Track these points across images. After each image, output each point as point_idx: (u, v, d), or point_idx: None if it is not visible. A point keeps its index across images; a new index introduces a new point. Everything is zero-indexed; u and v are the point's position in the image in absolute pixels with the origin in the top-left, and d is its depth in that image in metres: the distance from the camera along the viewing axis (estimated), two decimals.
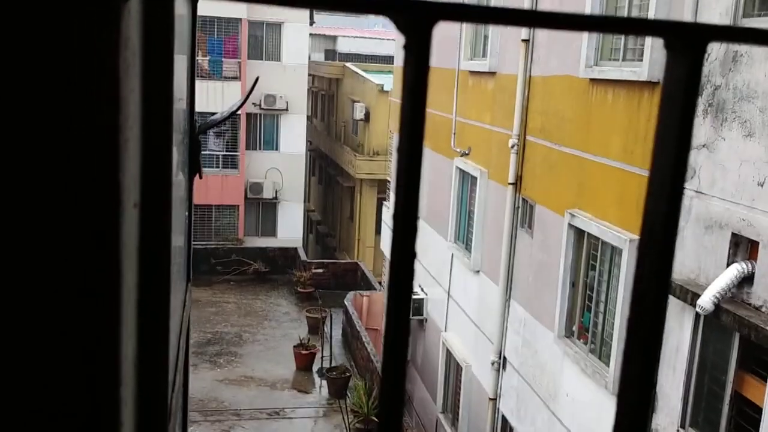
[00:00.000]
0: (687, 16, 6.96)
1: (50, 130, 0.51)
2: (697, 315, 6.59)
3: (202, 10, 25.55)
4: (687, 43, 0.37)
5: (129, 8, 0.54)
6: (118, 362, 0.60)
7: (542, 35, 10.23)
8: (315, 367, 18.15)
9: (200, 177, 2.07)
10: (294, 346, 18.32)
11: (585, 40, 8.83)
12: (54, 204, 0.53)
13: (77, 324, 0.56)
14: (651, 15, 7.53)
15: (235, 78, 25.85)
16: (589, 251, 9.01)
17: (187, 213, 1.95)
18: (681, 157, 0.38)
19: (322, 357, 18.09)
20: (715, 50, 6.61)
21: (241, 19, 25.74)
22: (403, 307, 0.42)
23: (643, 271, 0.42)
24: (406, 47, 0.36)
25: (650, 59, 7.51)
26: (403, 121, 0.40)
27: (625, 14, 8.31)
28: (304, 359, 18.06)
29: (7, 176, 0.50)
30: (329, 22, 45.60)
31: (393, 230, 0.41)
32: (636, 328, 0.46)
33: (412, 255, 0.40)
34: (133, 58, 0.61)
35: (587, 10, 8.77)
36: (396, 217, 0.41)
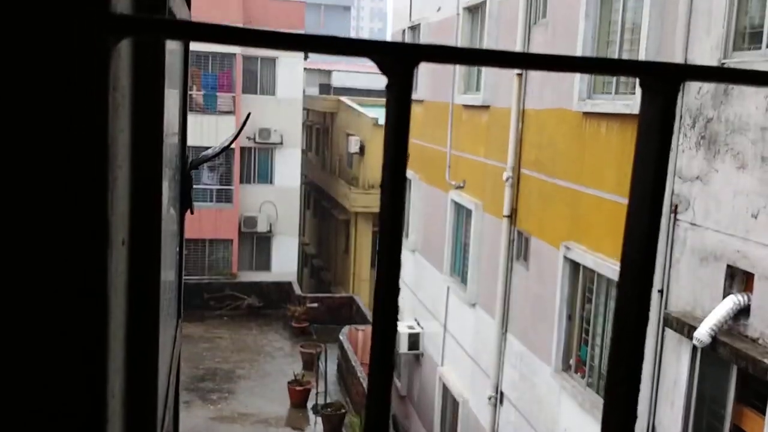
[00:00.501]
0: (678, 50, 7.04)
1: (37, 169, 0.51)
2: (695, 348, 6.55)
3: (197, 45, 25.87)
4: (661, 82, 0.36)
5: (119, 51, 0.55)
6: (105, 399, 0.59)
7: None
8: (310, 404, 17.94)
9: (191, 212, 2.05)
10: (288, 382, 18.14)
11: (577, 74, 8.92)
12: (41, 241, 0.53)
13: (61, 359, 0.56)
14: (642, 48, 7.62)
15: (229, 112, 26.00)
16: (585, 284, 8.99)
17: (178, 248, 1.93)
18: (657, 192, 0.37)
19: (317, 393, 17.89)
20: (706, 83, 6.68)
21: (235, 54, 26.00)
22: (388, 345, 0.41)
23: (625, 294, 0.41)
24: (388, 87, 0.36)
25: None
26: (386, 157, 0.40)
27: (617, 48, 8.42)
28: (299, 396, 17.86)
29: None
30: (324, 56, 46.08)
31: (378, 264, 0.41)
32: (619, 350, 0.45)
33: (396, 287, 0.39)
34: (123, 99, 0.61)
35: (579, 44, 8.87)
36: (380, 254, 0.41)
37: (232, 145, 26.68)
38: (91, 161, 0.52)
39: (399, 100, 0.36)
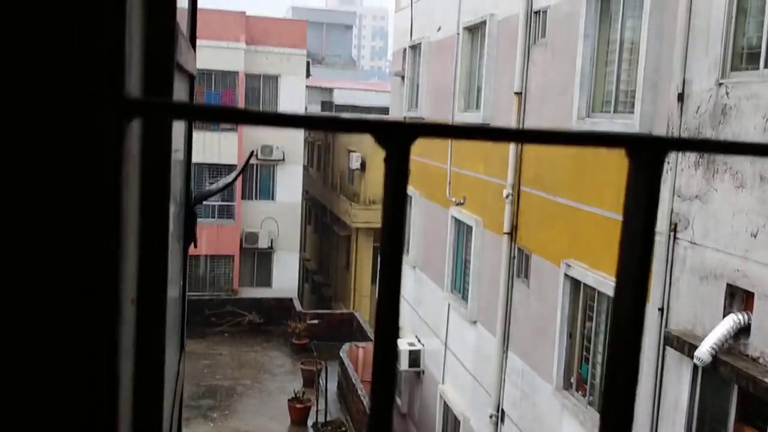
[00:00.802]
0: (676, 70, 7.09)
1: (55, 238, 0.53)
2: (695, 367, 6.55)
3: (200, 63, 25.91)
4: (646, 153, 0.39)
5: (131, 127, 0.57)
6: None
7: (534, 87, 10.40)
8: (310, 422, 17.85)
9: (195, 246, 2.08)
10: (288, 400, 18.06)
11: (576, 92, 8.98)
12: (53, 300, 0.54)
13: (74, 422, 0.57)
14: (641, 68, 7.66)
15: (232, 129, 26.09)
16: (585, 302, 8.99)
17: (181, 283, 1.96)
18: (644, 261, 0.39)
19: (317, 411, 17.81)
20: (704, 102, 6.72)
21: (238, 72, 26.13)
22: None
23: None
24: (385, 160, 0.39)
25: (641, 111, 7.63)
26: (384, 226, 0.42)
27: (615, 67, 8.46)
28: (299, 413, 17.78)
29: (5, 281, 0.52)
30: (325, 74, 46.32)
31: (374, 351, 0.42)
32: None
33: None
34: (134, 170, 0.63)
35: (578, 63, 8.93)
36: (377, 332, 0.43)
37: (234, 162, 26.71)
38: (102, 230, 0.54)
39: (396, 173, 0.39)
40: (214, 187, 2.99)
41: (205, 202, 26.22)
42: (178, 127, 1.61)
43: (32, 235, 0.52)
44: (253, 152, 3.71)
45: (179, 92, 1.41)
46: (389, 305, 0.43)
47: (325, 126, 0.38)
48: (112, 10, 0.50)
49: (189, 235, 1.92)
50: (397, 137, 0.37)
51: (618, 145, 0.41)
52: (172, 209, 1.33)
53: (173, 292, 1.49)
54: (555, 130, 0.40)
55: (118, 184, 0.52)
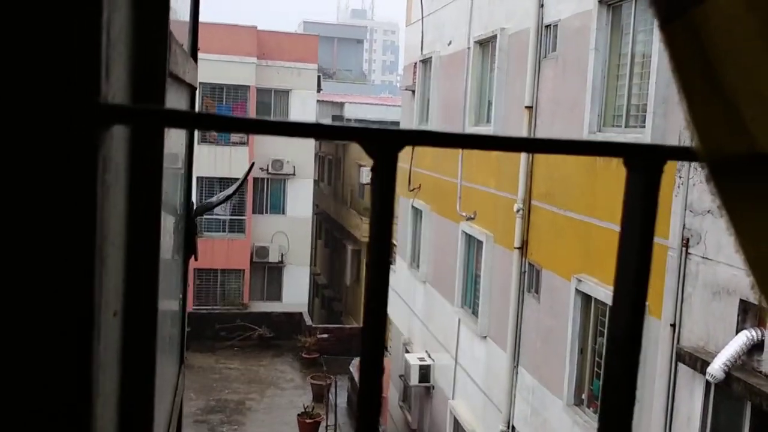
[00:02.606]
0: None
1: (25, 245, 0.52)
2: (708, 383, 6.47)
3: (211, 77, 25.96)
4: (644, 162, 0.37)
5: (112, 134, 0.56)
6: None
7: (545, 101, 10.38)
8: None
9: (195, 259, 2.07)
10: (298, 415, 18.01)
11: (588, 106, 8.95)
12: (23, 310, 0.53)
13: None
14: (652, 81, 7.62)
15: (242, 143, 26.22)
16: (597, 317, 8.92)
17: (181, 296, 1.94)
18: (642, 270, 0.37)
19: (326, 426, 17.74)
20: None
21: (249, 86, 26.29)
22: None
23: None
24: (373, 170, 0.38)
25: (653, 125, 7.59)
26: (372, 234, 0.41)
27: (627, 81, 8.44)
28: (309, 428, 17.71)
29: None
30: (337, 89, 46.53)
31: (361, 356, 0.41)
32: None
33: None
34: (116, 179, 0.62)
35: (589, 77, 8.92)
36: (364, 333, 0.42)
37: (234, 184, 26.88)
38: (76, 240, 0.53)
39: (384, 180, 0.38)
40: (214, 199, 3.00)
41: (215, 216, 26.33)
42: (177, 139, 1.60)
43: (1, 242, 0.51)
44: (253, 164, 3.74)
45: (176, 102, 1.40)
46: (376, 317, 0.42)
47: (311, 133, 0.37)
48: (88, 14, 0.49)
49: (189, 247, 1.91)
50: (384, 145, 0.36)
51: (615, 154, 0.39)
52: (172, 221, 1.31)
53: (170, 304, 1.47)
54: (551, 139, 0.39)
55: (92, 190, 0.50)
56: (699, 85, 0.37)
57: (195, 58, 1.99)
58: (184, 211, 1.81)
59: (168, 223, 1.23)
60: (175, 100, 1.31)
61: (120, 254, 0.69)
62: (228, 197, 3.05)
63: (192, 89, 1.89)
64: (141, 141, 0.72)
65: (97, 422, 0.59)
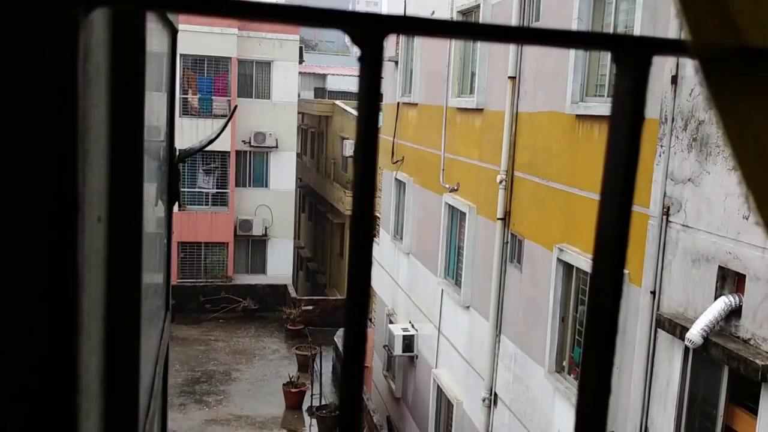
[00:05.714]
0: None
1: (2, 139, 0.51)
2: (687, 349, 6.58)
3: (192, 49, 25.66)
4: (633, 55, 0.38)
5: (91, 22, 0.54)
6: (76, 372, 0.58)
7: (528, 72, 10.37)
8: (305, 406, 17.93)
9: (179, 206, 2.07)
10: (283, 385, 18.12)
11: (570, 76, 8.96)
12: (6, 209, 0.52)
13: (31, 333, 0.55)
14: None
15: (225, 116, 25.97)
16: (578, 286, 9.02)
17: (166, 240, 1.94)
18: (629, 168, 0.39)
19: (312, 395, 17.88)
20: (698, 85, 6.72)
21: (230, 57, 25.98)
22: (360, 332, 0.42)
23: (596, 283, 0.42)
24: (360, 59, 0.38)
25: None
26: (359, 130, 0.41)
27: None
28: (294, 398, 17.85)
29: None
30: (319, 60, 46.07)
31: (350, 246, 0.42)
32: (593, 337, 0.46)
33: (369, 259, 0.41)
34: (97, 73, 0.61)
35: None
36: (352, 230, 0.42)
37: (228, 149, 26.59)
38: (59, 133, 0.51)
39: (370, 71, 0.38)
40: (197, 143, 2.98)
41: (198, 190, 26.16)
42: (159, 97, 1.59)
43: None
44: (236, 107, 3.72)
45: (157, 41, 1.38)
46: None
47: (294, 19, 0.37)
48: None
49: (173, 193, 1.91)
50: (372, 30, 0.36)
51: (603, 47, 0.40)
52: (155, 164, 1.31)
53: (157, 241, 1.47)
54: (539, 29, 0.40)
55: (73, 73, 0.49)
56: None
57: None
58: (167, 155, 1.81)
59: (153, 160, 1.22)
60: (158, 36, 1.30)
61: (102, 156, 0.67)
62: (210, 141, 3.04)
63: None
64: (124, 34, 0.70)
65: (83, 323, 0.59)
